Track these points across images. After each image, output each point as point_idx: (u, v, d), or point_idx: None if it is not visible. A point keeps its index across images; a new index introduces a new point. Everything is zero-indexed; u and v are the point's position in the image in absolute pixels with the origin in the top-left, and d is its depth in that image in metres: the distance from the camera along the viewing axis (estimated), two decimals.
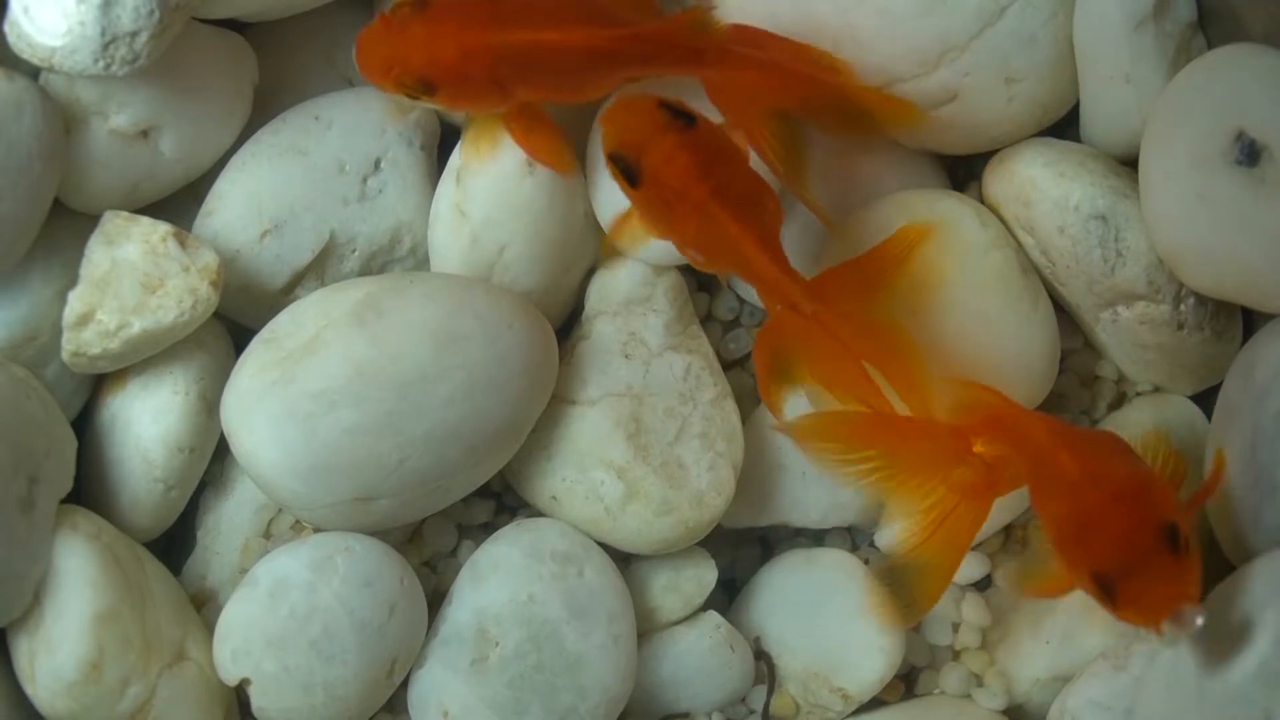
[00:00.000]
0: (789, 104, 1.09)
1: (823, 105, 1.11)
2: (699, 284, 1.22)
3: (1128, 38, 1.15)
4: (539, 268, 1.15)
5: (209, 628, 1.11)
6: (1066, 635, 1.15)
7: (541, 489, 1.15)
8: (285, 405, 1.06)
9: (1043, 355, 1.16)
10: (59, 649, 1.05)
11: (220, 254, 1.11)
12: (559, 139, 1.13)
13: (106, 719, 1.06)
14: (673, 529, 1.13)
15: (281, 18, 1.18)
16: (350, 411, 1.06)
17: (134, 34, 1.05)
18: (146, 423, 1.12)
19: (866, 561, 1.19)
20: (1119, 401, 1.23)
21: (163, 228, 1.10)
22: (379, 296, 1.09)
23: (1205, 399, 1.19)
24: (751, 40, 1.10)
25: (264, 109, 1.18)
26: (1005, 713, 1.17)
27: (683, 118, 1.02)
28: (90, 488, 1.13)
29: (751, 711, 1.19)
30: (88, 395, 1.15)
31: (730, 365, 1.21)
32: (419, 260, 1.19)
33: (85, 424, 1.14)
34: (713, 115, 1.07)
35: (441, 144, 1.21)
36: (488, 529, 1.18)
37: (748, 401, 1.19)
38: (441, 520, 1.18)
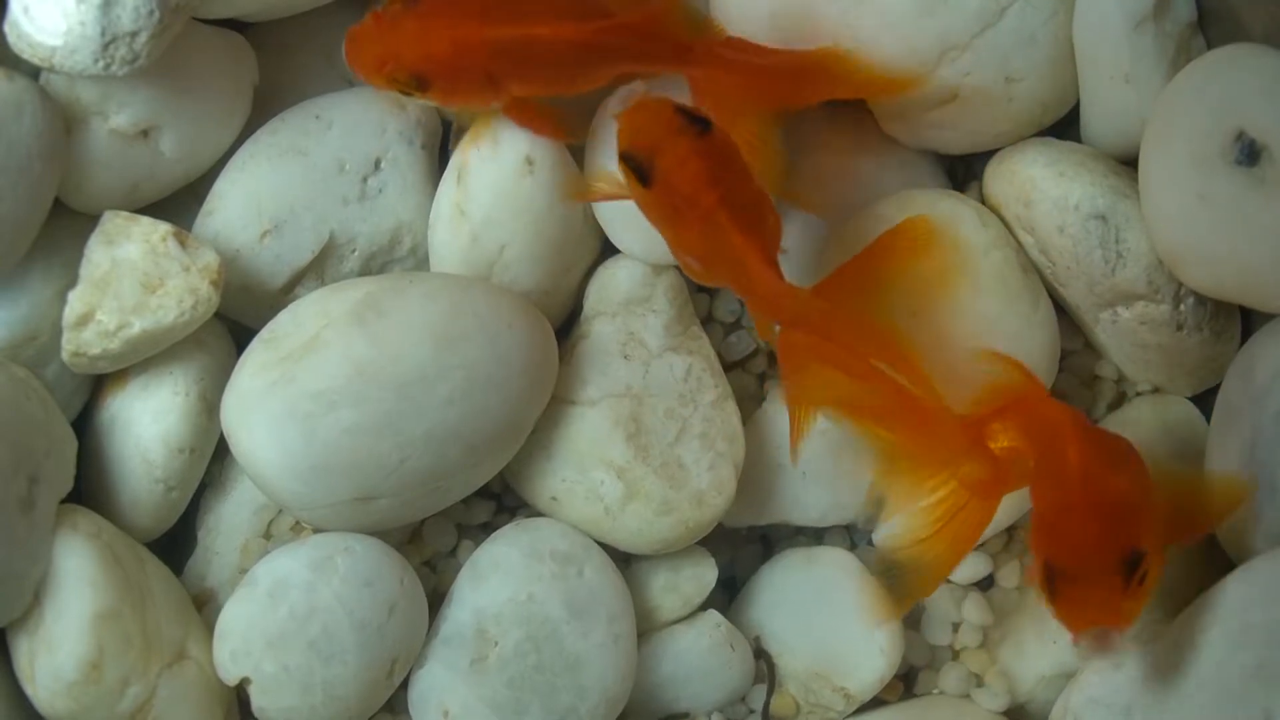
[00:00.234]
0: (772, 108, 1.10)
1: (815, 97, 1.12)
2: (699, 285, 1.22)
3: (1128, 38, 1.15)
4: (539, 268, 1.15)
5: (209, 628, 1.11)
6: None
7: (541, 489, 1.15)
8: (285, 405, 1.06)
9: (1043, 355, 1.16)
10: (59, 649, 1.05)
11: (220, 254, 1.10)
12: (557, 112, 1.13)
13: (106, 719, 1.06)
14: (673, 529, 1.13)
15: (281, 18, 1.18)
16: (350, 411, 1.06)
17: (134, 34, 1.05)
18: (147, 423, 1.12)
19: (867, 553, 1.19)
20: (1119, 401, 1.23)
21: (163, 227, 1.10)
22: (379, 296, 1.09)
23: (1205, 399, 1.19)
24: (742, 47, 1.11)
25: (264, 109, 1.18)
26: (1006, 713, 1.17)
27: (698, 123, 1.02)
28: (90, 488, 1.13)
29: (751, 711, 1.19)
30: (88, 395, 1.15)
31: (731, 366, 1.21)
32: (419, 260, 1.19)
33: (85, 424, 1.14)
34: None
35: (442, 144, 1.21)
36: (488, 529, 1.17)
37: (748, 403, 1.19)
38: (441, 520, 1.18)
